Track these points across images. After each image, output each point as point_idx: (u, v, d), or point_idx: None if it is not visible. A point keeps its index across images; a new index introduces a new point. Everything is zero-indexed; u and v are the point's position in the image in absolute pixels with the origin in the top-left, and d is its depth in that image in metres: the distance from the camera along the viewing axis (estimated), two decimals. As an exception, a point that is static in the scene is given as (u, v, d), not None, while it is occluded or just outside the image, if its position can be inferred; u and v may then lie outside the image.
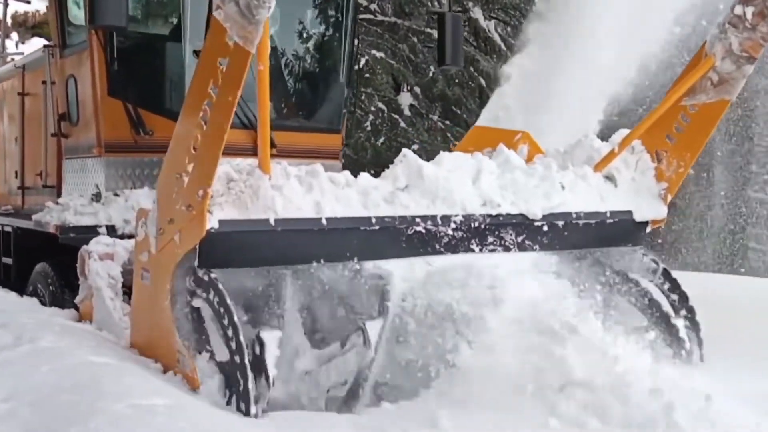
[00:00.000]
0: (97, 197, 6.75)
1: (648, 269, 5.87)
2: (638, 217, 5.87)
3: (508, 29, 15.52)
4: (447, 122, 14.94)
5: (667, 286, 5.81)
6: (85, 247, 5.63)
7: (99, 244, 5.66)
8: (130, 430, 3.51)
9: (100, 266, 5.50)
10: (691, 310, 5.75)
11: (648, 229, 6.04)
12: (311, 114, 7.90)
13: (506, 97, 7.43)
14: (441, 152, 5.33)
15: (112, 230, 6.49)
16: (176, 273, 4.50)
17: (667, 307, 5.74)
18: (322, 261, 4.69)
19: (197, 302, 4.46)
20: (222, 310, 4.26)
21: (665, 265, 5.90)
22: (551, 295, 4.97)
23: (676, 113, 5.74)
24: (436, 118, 14.94)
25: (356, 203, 4.81)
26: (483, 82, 14.71)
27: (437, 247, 5.04)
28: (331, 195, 4.73)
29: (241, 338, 4.18)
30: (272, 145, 6.54)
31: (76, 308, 5.91)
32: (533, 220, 5.36)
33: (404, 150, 5.12)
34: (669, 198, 5.94)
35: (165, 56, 7.01)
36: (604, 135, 6.34)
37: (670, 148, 5.88)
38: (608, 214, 5.73)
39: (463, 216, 5.10)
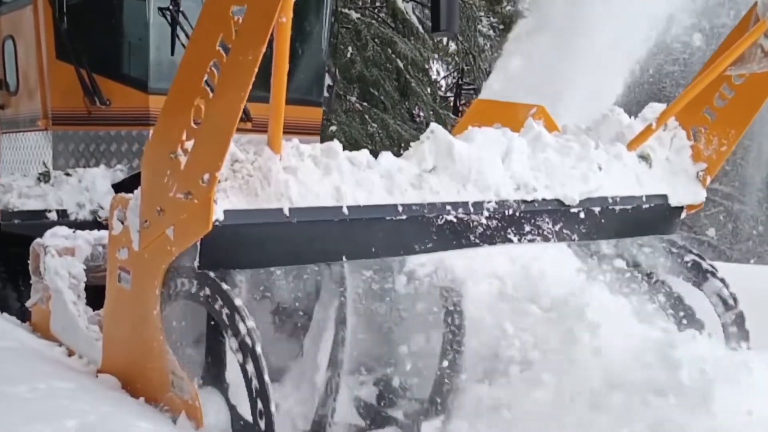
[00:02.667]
0: (44, 177, 5.80)
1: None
2: (674, 201, 5.22)
3: (426, 11, 15.37)
4: (365, 104, 14.66)
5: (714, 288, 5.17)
6: (39, 240, 4.70)
7: (56, 236, 4.73)
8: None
9: (60, 263, 4.59)
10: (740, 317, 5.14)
11: (683, 215, 5.40)
12: (289, 84, 6.98)
13: (510, 69, 6.68)
14: (471, 127, 4.56)
15: (63, 215, 5.58)
16: (169, 275, 3.65)
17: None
18: (343, 258, 3.90)
19: (199, 312, 3.63)
20: (235, 324, 3.44)
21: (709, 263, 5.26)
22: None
23: (717, 85, 5.09)
24: (354, 99, 14.69)
25: (380, 188, 4.02)
26: (400, 64, 14.61)
27: (471, 238, 4.29)
28: (352, 179, 3.93)
29: (263, 367, 3.36)
30: (247, 118, 5.77)
31: (23, 313, 5.01)
32: (569, 207, 4.66)
33: (433, 125, 4.33)
34: (708, 180, 5.31)
35: (124, 13, 6.05)
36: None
37: (710, 124, 5.23)
38: (644, 199, 5.07)
39: (497, 202, 4.37)
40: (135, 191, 3.84)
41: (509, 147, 4.56)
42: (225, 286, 3.48)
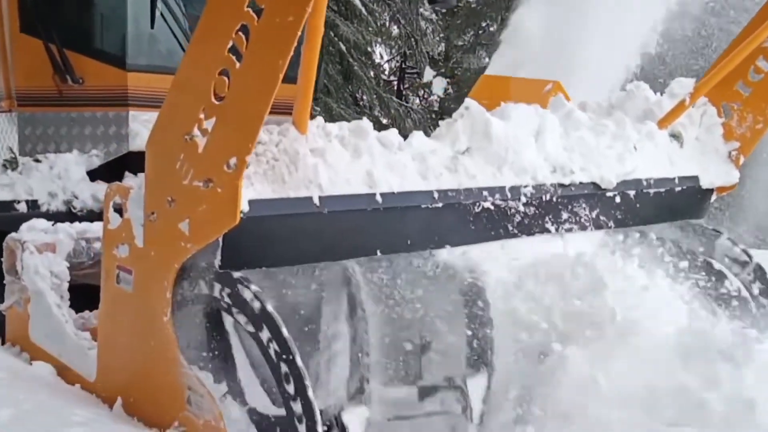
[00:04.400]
0: (11, 164, 5.21)
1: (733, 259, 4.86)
2: (705, 183, 4.85)
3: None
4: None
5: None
6: (14, 235, 4.12)
7: (34, 230, 4.16)
8: None
9: (40, 261, 4.02)
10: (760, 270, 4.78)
11: (713, 198, 5.04)
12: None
13: (519, 45, 6.22)
14: (503, 104, 4.12)
15: (33, 206, 5.02)
16: (182, 276, 3.15)
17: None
18: (378, 253, 3.44)
19: (219, 320, 3.14)
20: (269, 336, 2.95)
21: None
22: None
23: (752, 57, 4.73)
24: (296, 82, 14.24)
25: (413, 173, 3.56)
26: (343, 47, 14.33)
27: (509, 228, 3.86)
28: (383, 162, 3.47)
29: (309, 391, 2.88)
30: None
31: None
32: (605, 190, 4.26)
33: (467, 100, 3.88)
34: (741, 160, 4.95)
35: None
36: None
37: (744, 100, 4.87)
38: (677, 181, 4.70)
39: (534, 186, 3.94)
40: (137, 178, 3.33)
41: (542, 125, 4.13)
42: (255, 288, 2.99)
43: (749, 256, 4.84)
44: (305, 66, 3.07)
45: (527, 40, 6.13)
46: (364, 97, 15.96)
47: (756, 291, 4.71)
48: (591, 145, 4.28)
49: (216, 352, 3.21)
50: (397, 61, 21.19)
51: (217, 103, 2.92)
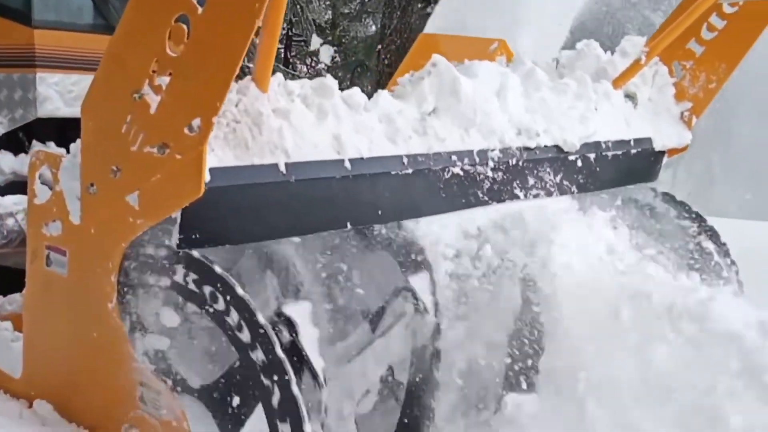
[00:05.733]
0: None
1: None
2: (658, 145, 4.69)
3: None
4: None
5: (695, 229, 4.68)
6: None
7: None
8: None
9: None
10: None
11: (664, 160, 4.89)
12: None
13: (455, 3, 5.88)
14: (467, 61, 3.81)
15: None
16: (130, 257, 2.74)
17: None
18: (348, 225, 3.09)
19: (176, 305, 2.73)
20: (231, 313, 2.58)
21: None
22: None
23: (706, 14, 4.56)
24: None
25: (380, 135, 3.22)
26: None
27: (480, 195, 3.57)
28: (350, 124, 3.11)
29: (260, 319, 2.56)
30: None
31: None
32: (568, 154, 4.02)
33: (435, 56, 3.55)
34: (694, 121, 4.80)
35: None
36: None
37: (696, 58, 4.72)
38: (632, 143, 4.51)
39: (501, 150, 3.66)
40: (72, 145, 2.88)
41: (503, 84, 3.84)
42: (219, 270, 2.60)
43: (703, 219, 4.73)
44: (271, 11, 2.67)
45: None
46: (250, 65, 15.40)
47: (714, 252, 4.61)
48: (553, 106, 4.03)
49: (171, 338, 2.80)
50: (284, 29, 20.71)
51: (173, 55, 2.50)
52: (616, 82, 4.51)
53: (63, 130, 4.85)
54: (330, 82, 3.08)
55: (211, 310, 2.61)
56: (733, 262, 4.63)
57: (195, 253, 2.64)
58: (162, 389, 2.68)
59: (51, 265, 2.97)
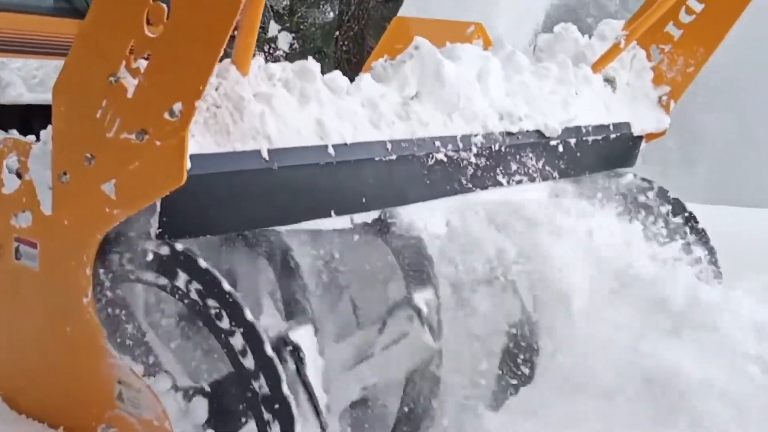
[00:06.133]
0: None
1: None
2: (636, 129, 4.64)
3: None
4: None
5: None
6: None
7: None
8: None
9: None
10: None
11: (642, 145, 4.84)
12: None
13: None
14: (449, 44, 3.72)
15: None
16: (106, 249, 2.61)
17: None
18: (332, 214, 2.98)
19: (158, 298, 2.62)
20: (217, 306, 2.47)
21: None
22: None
23: (684, -5, 4.53)
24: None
25: (364, 120, 3.12)
26: None
27: (464, 181, 3.49)
28: (333, 109, 3.00)
29: (267, 349, 2.43)
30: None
31: None
32: (549, 139, 3.95)
33: (418, 39, 3.45)
34: (672, 105, 4.76)
35: None
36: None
37: (674, 42, 4.67)
38: (611, 128, 4.46)
39: (484, 136, 3.58)
40: (43, 132, 2.74)
41: (483, 68, 3.75)
42: (204, 264, 2.49)
43: (682, 205, 4.70)
44: (252, 2, 2.55)
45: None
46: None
47: (692, 237, 4.58)
48: (534, 91, 3.95)
49: (144, 337, 2.68)
50: (241, 15, 20.38)
51: (151, 35, 2.37)
52: (596, 66, 4.45)
53: (26, 117, 4.65)
54: (312, 65, 2.97)
55: (210, 322, 2.49)
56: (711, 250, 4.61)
57: (179, 245, 2.52)
58: (142, 387, 2.56)
59: (21, 259, 2.83)
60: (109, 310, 2.63)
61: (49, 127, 2.67)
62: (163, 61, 2.35)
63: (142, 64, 2.40)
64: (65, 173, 2.62)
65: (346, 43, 14.84)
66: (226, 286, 2.45)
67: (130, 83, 2.42)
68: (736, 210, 7.74)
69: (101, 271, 2.62)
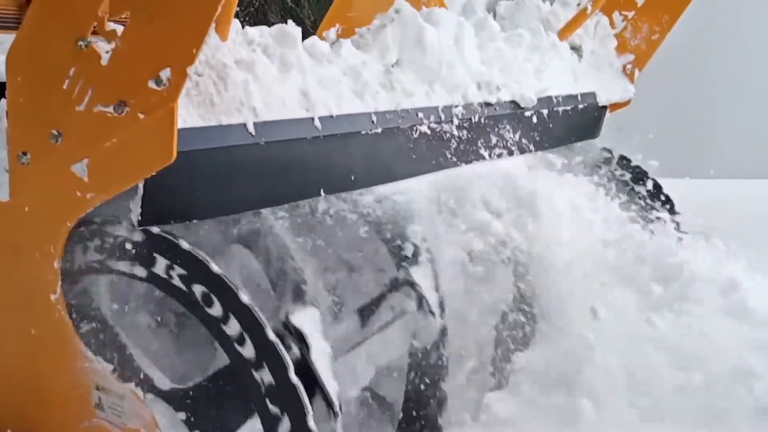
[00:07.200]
0: None
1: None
2: (602, 99, 4.51)
3: None
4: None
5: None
6: None
7: None
8: None
9: None
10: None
11: (606, 116, 4.71)
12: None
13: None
14: (425, 7, 3.49)
15: None
16: (77, 238, 2.30)
17: None
18: (322, 192, 2.73)
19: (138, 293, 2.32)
20: (206, 292, 2.19)
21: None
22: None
23: (648, -40, 4.41)
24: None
25: (347, 91, 2.86)
26: None
27: (448, 155, 3.27)
28: (315, 78, 2.74)
29: (269, 333, 2.16)
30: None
31: None
32: (524, 110, 3.77)
33: (398, 1, 3.19)
34: (636, 74, 4.64)
35: None
36: None
37: (638, 8, 4.54)
38: (579, 98, 4.31)
39: (464, 107, 3.37)
40: (-2, 108, 2.40)
41: (459, 35, 3.54)
42: (199, 253, 2.21)
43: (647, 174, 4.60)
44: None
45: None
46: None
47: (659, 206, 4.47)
48: (509, 59, 3.76)
49: (123, 336, 2.38)
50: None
51: (130, -9, 2.07)
52: (562, 34, 4.29)
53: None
54: (292, 29, 2.69)
55: (201, 312, 2.21)
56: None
57: (164, 233, 2.23)
58: (126, 393, 2.27)
59: (-29, 253, 2.48)
60: (82, 307, 2.33)
61: (3, 101, 2.34)
62: (147, 22, 2.04)
63: (119, 26, 2.10)
64: (24, 153, 2.29)
65: (247, 19, 14.45)
66: (215, 268, 2.17)
67: (104, 48, 2.11)
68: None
69: (71, 263, 2.31)
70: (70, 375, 2.34)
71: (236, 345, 2.18)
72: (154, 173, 2.10)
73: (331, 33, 3.55)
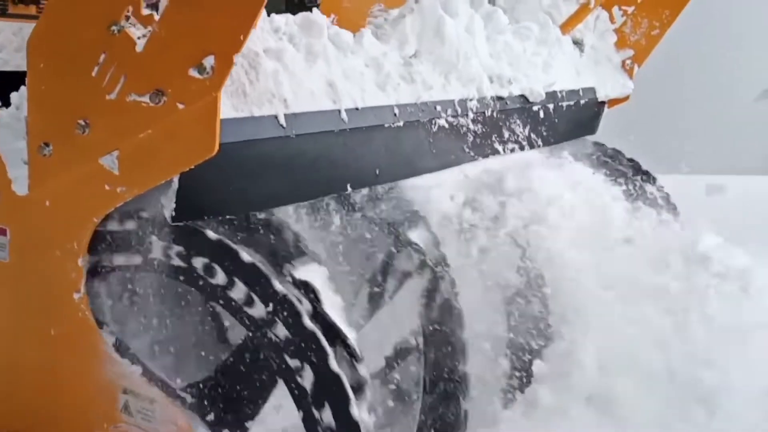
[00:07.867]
0: None
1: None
2: (601, 95, 4.47)
3: None
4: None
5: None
6: None
7: None
8: None
9: None
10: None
11: (604, 111, 4.67)
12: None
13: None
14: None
15: None
16: (103, 234, 2.18)
17: None
18: (348, 188, 2.64)
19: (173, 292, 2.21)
20: (211, 266, 2.10)
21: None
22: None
23: (649, -45, 4.38)
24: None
25: (370, 83, 2.77)
26: None
27: (465, 149, 3.20)
28: (340, 69, 2.65)
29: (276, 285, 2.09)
30: None
31: None
32: (533, 104, 3.72)
33: (414, -11, 3.11)
34: (635, 70, 4.61)
35: None
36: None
37: (638, 3, 4.51)
38: (581, 93, 4.26)
39: (478, 100, 3.30)
40: (14, 95, 2.28)
41: (469, 27, 3.46)
42: (233, 246, 2.11)
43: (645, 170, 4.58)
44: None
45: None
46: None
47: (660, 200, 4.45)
48: (518, 52, 3.70)
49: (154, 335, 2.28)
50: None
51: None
52: (564, 27, 4.23)
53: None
54: (318, 17, 2.60)
55: (206, 285, 2.11)
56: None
57: (203, 228, 2.13)
58: (157, 396, 2.16)
59: (-17, 250, 2.36)
60: (108, 306, 2.21)
61: (22, 88, 2.21)
62: (189, 5, 1.94)
63: (155, 10, 1.99)
64: (47, 144, 2.17)
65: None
66: (211, 234, 2.08)
67: (138, 33, 2.00)
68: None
69: (94, 261, 2.19)
70: (94, 378, 2.23)
71: (246, 308, 2.08)
72: (192, 166, 1.99)
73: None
